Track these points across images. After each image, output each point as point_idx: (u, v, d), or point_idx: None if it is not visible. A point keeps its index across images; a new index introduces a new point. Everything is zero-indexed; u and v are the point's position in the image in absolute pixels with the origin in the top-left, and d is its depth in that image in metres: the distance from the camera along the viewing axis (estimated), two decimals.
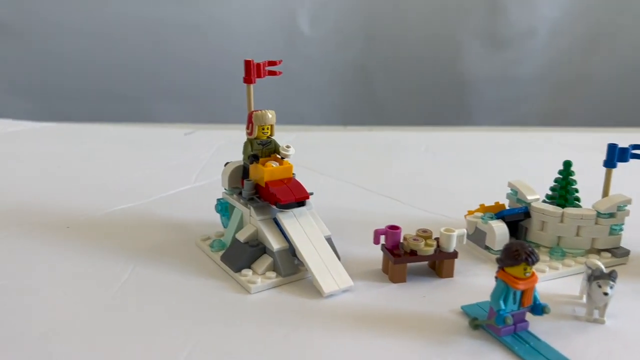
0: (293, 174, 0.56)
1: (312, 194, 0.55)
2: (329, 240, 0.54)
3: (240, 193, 0.56)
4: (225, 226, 0.61)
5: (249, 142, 0.56)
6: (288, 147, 0.55)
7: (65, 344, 0.43)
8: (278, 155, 0.56)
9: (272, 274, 0.52)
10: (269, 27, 1.54)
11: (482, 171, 0.90)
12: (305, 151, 0.95)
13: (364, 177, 0.85)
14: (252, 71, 0.55)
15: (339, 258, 0.54)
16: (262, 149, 0.56)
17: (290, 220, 0.54)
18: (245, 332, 0.45)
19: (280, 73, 0.56)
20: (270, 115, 0.55)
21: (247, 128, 0.56)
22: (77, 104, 1.47)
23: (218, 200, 0.61)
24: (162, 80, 1.54)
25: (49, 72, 1.46)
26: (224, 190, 0.60)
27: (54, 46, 1.44)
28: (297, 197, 0.53)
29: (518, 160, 0.96)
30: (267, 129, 0.55)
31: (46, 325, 0.45)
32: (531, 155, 0.99)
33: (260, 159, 0.55)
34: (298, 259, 0.53)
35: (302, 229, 0.53)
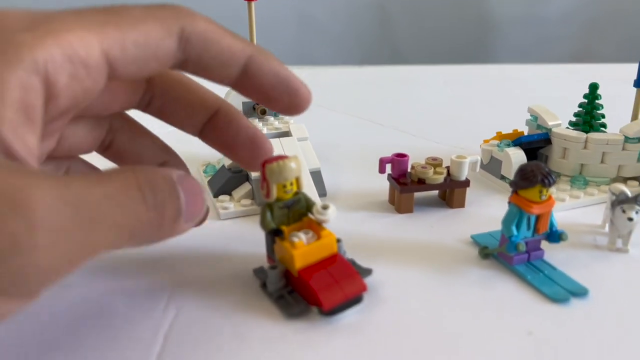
0: (338, 240, 0.38)
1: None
2: (316, 173, 0.51)
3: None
4: None
5: (268, 208, 0.37)
6: (326, 207, 0.37)
7: None
8: (312, 216, 0.38)
9: (248, 202, 0.49)
10: None
11: (503, 104, 0.86)
12: (319, 89, 0.91)
13: (378, 113, 0.81)
14: None
15: (324, 193, 0.51)
16: (287, 213, 0.38)
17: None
18: (194, 257, 0.42)
19: None
20: (294, 164, 0.36)
21: (262, 188, 0.37)
22: None
23: None
24: None
25: None
26: None
27: None
28: (347, 296, 0.36)
29: (541, 93, 0.91)
30: (291, 184, 0.37)
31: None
32: (556, 87, 0.94)
33: (286, 229, 0.37)
34: None
35: None
